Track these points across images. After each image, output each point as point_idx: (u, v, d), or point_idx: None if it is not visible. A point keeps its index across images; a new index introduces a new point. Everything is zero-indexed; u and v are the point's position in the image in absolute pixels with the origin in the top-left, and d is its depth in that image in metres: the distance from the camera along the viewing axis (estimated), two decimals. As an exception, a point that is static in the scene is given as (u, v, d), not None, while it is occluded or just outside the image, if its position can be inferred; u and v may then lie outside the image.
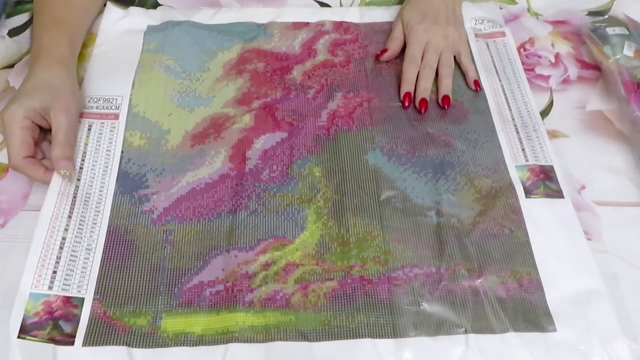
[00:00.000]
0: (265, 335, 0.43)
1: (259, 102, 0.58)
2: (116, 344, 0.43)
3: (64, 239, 0.47)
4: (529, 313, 0.44)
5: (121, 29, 0.63)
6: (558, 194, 0.51)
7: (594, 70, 0.63)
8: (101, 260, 0.47)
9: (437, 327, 0.44)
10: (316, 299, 0.45)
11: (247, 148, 0.54)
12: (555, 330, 0.44)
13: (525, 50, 0.65)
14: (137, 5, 0.67)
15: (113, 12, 0.65)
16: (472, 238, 0.48)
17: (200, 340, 0.43)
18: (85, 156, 0.53)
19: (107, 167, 0.52)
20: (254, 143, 0.54)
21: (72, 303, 0.44)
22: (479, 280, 0.46)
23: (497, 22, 0.66)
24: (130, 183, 0.51)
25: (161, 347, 0.43)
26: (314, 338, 0.43)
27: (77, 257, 0.47)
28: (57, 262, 0.46)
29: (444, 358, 0.42)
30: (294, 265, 0.47)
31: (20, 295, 0.44)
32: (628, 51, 0.60)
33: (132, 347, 0.43)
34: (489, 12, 0.67)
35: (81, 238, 0.48)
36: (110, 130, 0.54)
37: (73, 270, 0.46)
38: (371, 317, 0.44)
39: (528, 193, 0.51)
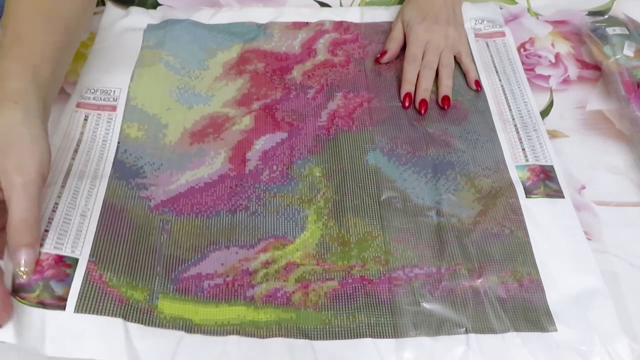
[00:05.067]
0: (266, 330, 0.43)
1: (259, 104, 0.58)
2: (112, 315, 0.39)
3: (56, 204, 0.45)
4: (530, 313, 0.44)
5: (121, 28, 0.63)
6: (558, 193, 0.51)
7: (594, 70, 0.63)
8: (97, 227, 0.44)
9: (437, 327, 0.43)
10: (317, 298, 0.45)
11: (247, 150, 0.54)
12: (555, 330, 0.44)
13: (525, 50, 0.65)
14: (137, 6, 0.66)
15: (113, 12, 0.65)
16: (472, 238, 0.48)
17: (199, 328, 0.42)
18: (80, 144, 0.51)
19: (102, 155, 0.51)
20: (254, 144, 0.54)
21: (65, 262, 0.41)
22: (480, 280, 0.46)
23: (497, 22, 0.66)
24: (127, 171, 0.51)
25: (158, 327, 0.40)
26: (314, 336, 0.43)
27: (71, 220, 0.44)
28: (50, 222, 0.43)
29: (444, 358, 0.42)
30: (294, 264, 0.47)
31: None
32: (628, 51, 0.60)
33: (128, 320, 0.39)
34: (489, 12, 0.67)
35: (75, 206, 0.45)
36: (107, 122, 0.54)
37: (67, 232, 0.43)
38: (372, 317, 0.44)
39: (528, 193, 0.51)
